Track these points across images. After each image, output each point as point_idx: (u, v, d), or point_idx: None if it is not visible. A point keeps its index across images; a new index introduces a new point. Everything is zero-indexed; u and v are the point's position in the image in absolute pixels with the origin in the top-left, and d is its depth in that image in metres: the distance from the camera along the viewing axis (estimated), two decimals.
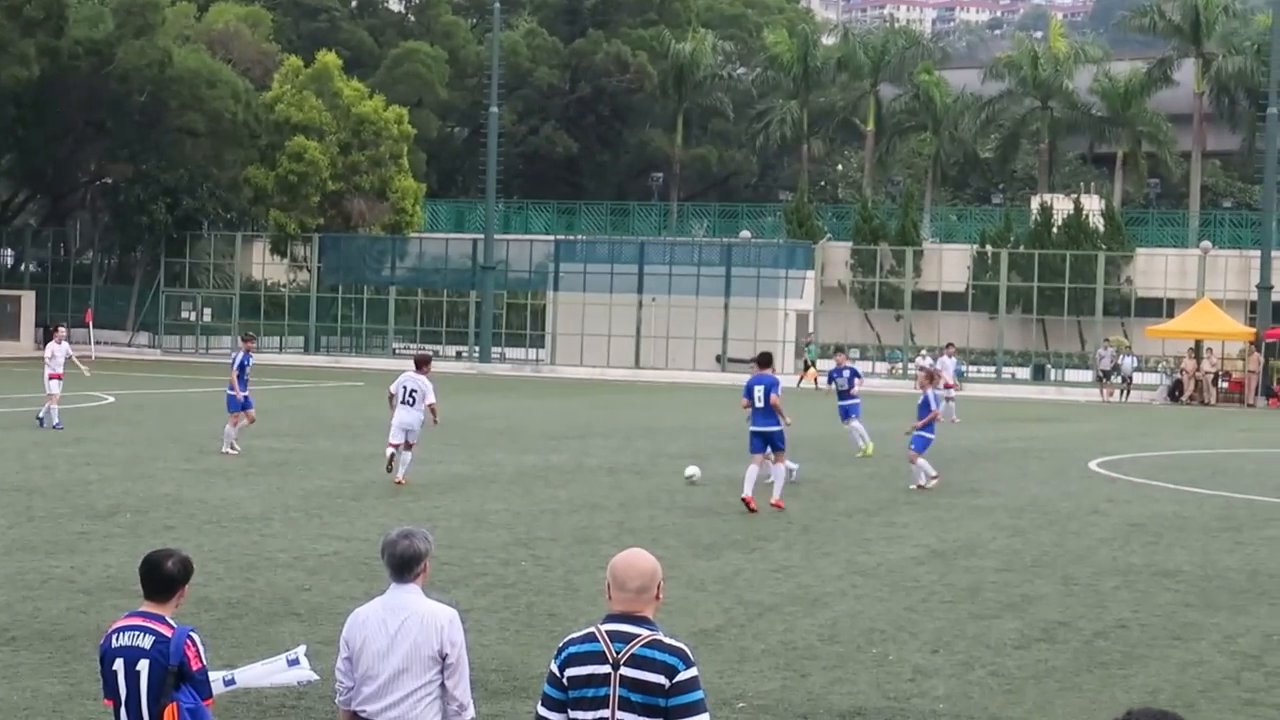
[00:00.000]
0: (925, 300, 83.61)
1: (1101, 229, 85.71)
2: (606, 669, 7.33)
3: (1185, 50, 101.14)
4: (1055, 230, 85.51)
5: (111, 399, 47.63)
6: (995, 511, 26.82)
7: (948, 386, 51.40)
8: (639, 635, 7.35)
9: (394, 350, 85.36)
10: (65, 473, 28.44)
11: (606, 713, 7.32)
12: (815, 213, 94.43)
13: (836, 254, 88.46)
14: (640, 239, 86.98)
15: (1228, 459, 39.44)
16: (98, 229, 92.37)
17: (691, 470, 29.20)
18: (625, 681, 7.30)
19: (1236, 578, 20.70)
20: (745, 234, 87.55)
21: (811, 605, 18.00)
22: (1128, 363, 70.16)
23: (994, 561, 21.45)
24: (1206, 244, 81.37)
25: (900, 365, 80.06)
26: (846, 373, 38.12)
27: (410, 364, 30.71)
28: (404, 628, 8.26)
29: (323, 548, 20.88)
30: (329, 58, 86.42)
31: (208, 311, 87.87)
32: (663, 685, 7.26)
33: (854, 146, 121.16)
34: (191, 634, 8.15)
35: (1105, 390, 69.45)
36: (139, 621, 8.18)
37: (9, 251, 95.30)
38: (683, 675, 7.29)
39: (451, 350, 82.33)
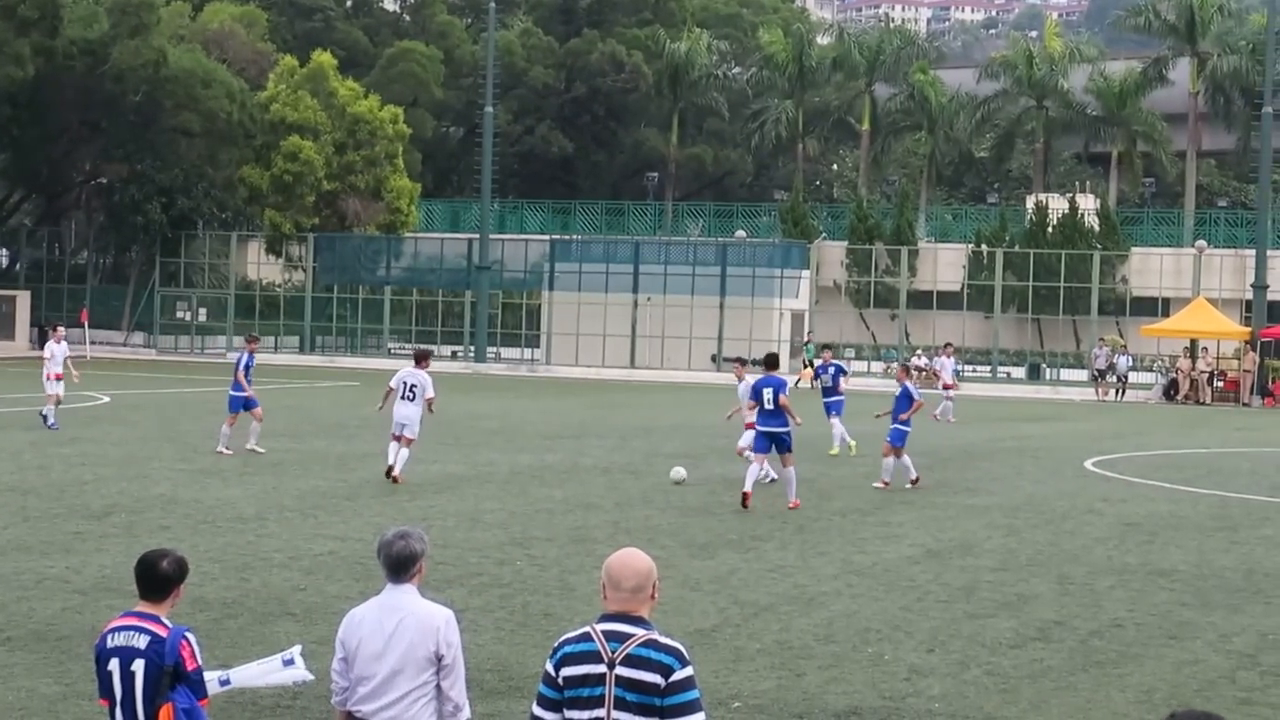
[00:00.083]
0: (920, 300, 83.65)
1: (1097, 228, 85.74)
2: (602, 668, 7.33)
3: (1180, 49, 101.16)
4: (1050, 230, 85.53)
5: (107, 399, 47.60)
6: (991, 511, 26.82)
7: (946, 387, 51.42)
8: (634, 635, 7.35)
9: (389, 350, 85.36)
10: (60, 473, 28.42)
11: (602, 712, 7.32)
12: (810, 212, 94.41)
13: (832, 253, 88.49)
14: (635, 239, 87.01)
15: (1223, 458, 39.46)
16: (93, 229, 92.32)
17: (678, 471, 29.15)
18: (621, 681, 7.29)
19: (1232, 577, 20.71)
20: (740, 234, 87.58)
21: (807, 605, 18.00)
22: (1123, 362, 70.19)
23: (989, 561, 21.45)
24: (1202, 243, 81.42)
25: (896, 365, 80.00)
26: (832, 369, 38.07)
27: (408, 362, 30.80)
28: (400, 628, 8.25)
29: (318, 547, 20.87)
30: (324, 57, 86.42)
31: (203, 311, 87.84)
32: (658, 685, 7.26)
33: (849, 146, 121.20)
34: (187, 634, 8.14)
35: (1100, 389, 69.47)
36: (134, 621, 8.17)
37: (4, 251, 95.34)
38: (678, 674, 7.29)
39: (447, 350, 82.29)
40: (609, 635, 7.37)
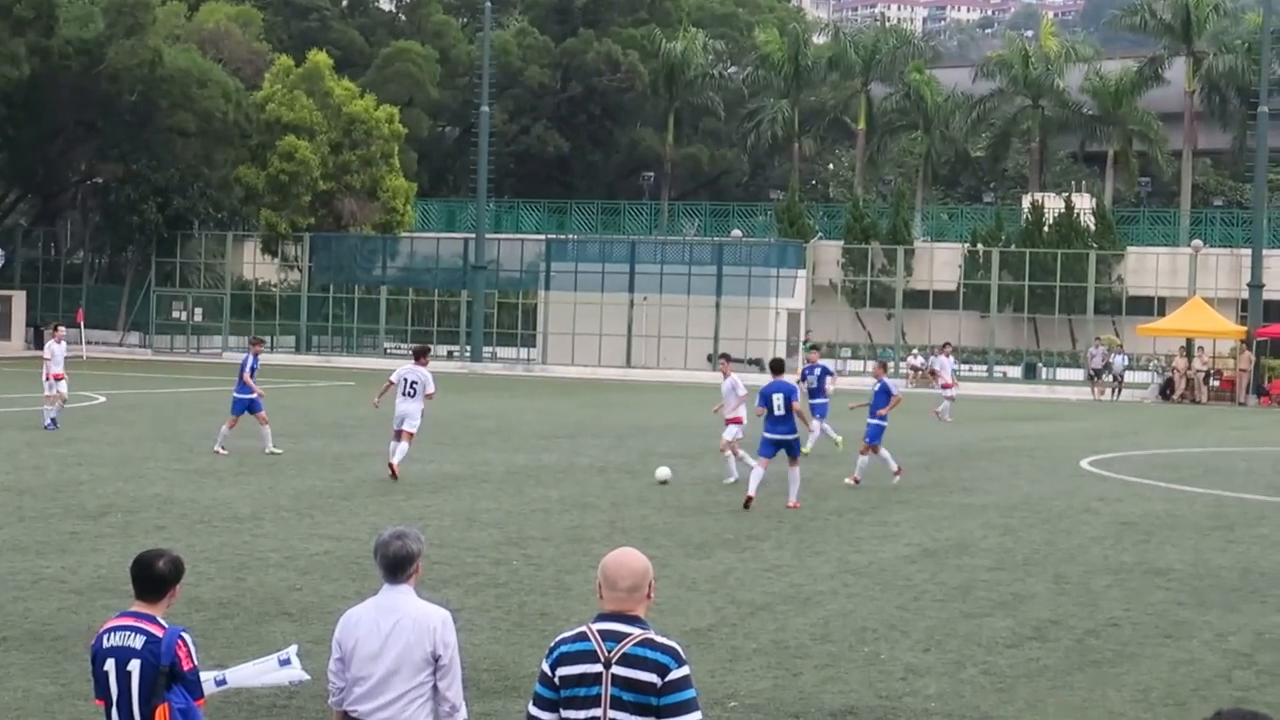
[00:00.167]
0: (916, 299, 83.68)
1: (1092, 228, 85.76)
2: (598, 668, 7.32)
3: (1176, 49, 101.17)
4: (1046, 229, 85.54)
5: (103, 399, 47.57)
6: (987, 510, 26.82)
7: (945, 386, 51.40)
8: (631, 634, 7.34)
9: (385, 350, 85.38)
10: (56, 473, 28.40)
11: (598, 712, 7.31)
12: (806, 212, 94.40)
13: (828, 253, 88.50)
14: (631, 238, 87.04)
15: (1219, 457, 39.48)
16: (88, 229, 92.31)
17: (662, 471, 29.10)
18: (617, 680, 7.29)
19: (1228, 576, 20.71)
20: (736, 233, 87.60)
21: (803, 604, 18.00)
22: (1119, 361, 70.23)
23: (986, 560, 21.45)
24: (1197, 242, 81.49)
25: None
26: (818, 370, 37.38)
27: (406, 361, 30.98)
28: (397, 629, 8.24)
29: (314, 547, 20.86)
30: (320, 57, 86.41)
31: (199, 311, 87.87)
32: (655, 684, 7.25)
33: (845, 145, 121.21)
34: (183, 634, 8.14)
35: (1096, 389, 69.51)
36: (130, 622, 8.16)
37: None
38: (675, 674, 7.28)
39: (443, 350, 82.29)
40: (605, 635, 7.36)
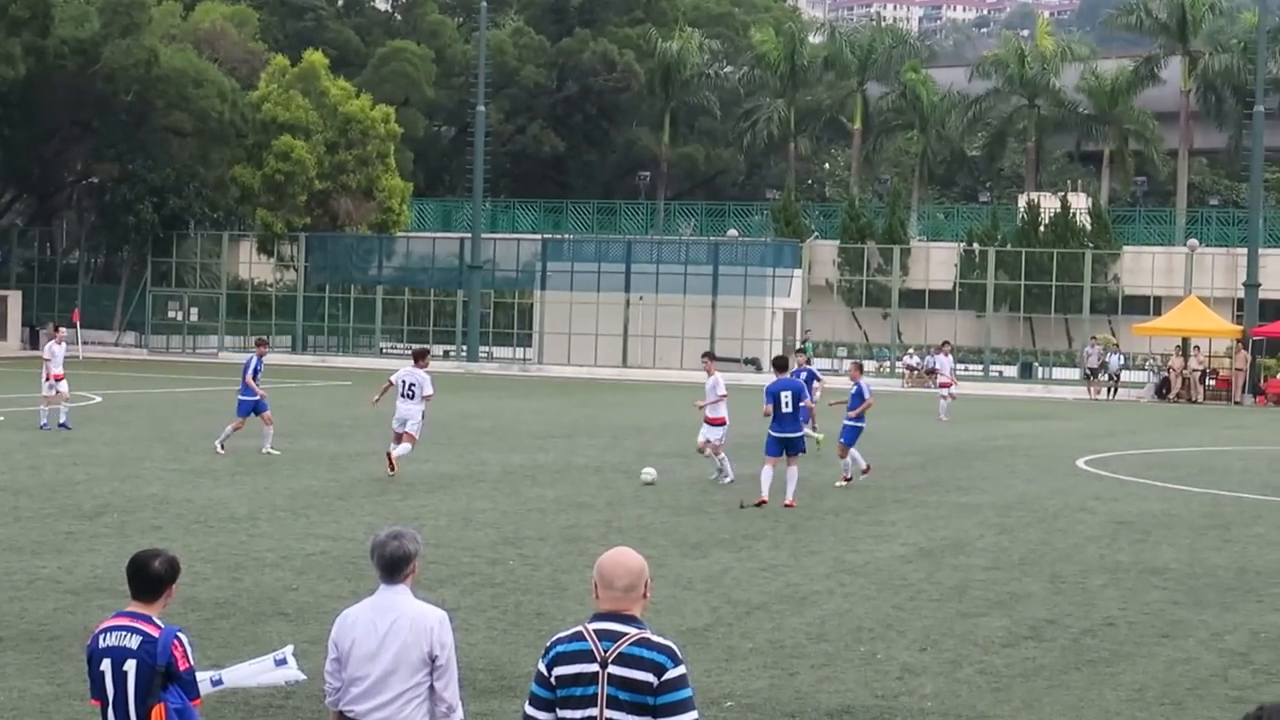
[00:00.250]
0: (912, 299, 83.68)
1: (1088, 227, 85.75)
2: (595, 668, 7.31)
3: (1172, 48, 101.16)
4: (1042, 228, 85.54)
5: (98, 399, 47.55)
6: (983, 509, 26.83)
7: (944, 385, 51.37)
8: (627, 634, 7.34)
9: (381, 349, 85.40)
10: (52, 473, 28.39)
11: (595, 711, 7.31)
12: (802, 211, 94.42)
13: (824, 252, 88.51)
14: (627, 238, 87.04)
15: (1215, 456, 39.50)
16: (84, 228, 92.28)
17: (648, 472, 29.06)
18: (614, 680, 7.28)
19: (1224, 575, 20.72)
20: (732, 233, 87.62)
21: (799, 604, 18.00)
22: (1115, 360, 70.26)
23: (982, 560, 21.45)
24: (1193, 242, 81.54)
25: (888, 364, 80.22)
26: (803, 375, 36.22)
27: (405, 361, 31.21)
28: (393, 629, 8.24)
29: (310, 547, 20.86)
30: (315, 57, 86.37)
31: (194, 311, 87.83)
32: (651, 683, 7.25)
33: (841, 145, 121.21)
34: (179, 634, 8.13)
35: (1092, 388, 69.53)
36: (126, 622, 8.15)
37: None
38: (671, 673, 7.28)
39: (439, 349, 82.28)
40: (601, 634, 7.36)
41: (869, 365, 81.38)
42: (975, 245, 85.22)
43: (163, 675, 8.02)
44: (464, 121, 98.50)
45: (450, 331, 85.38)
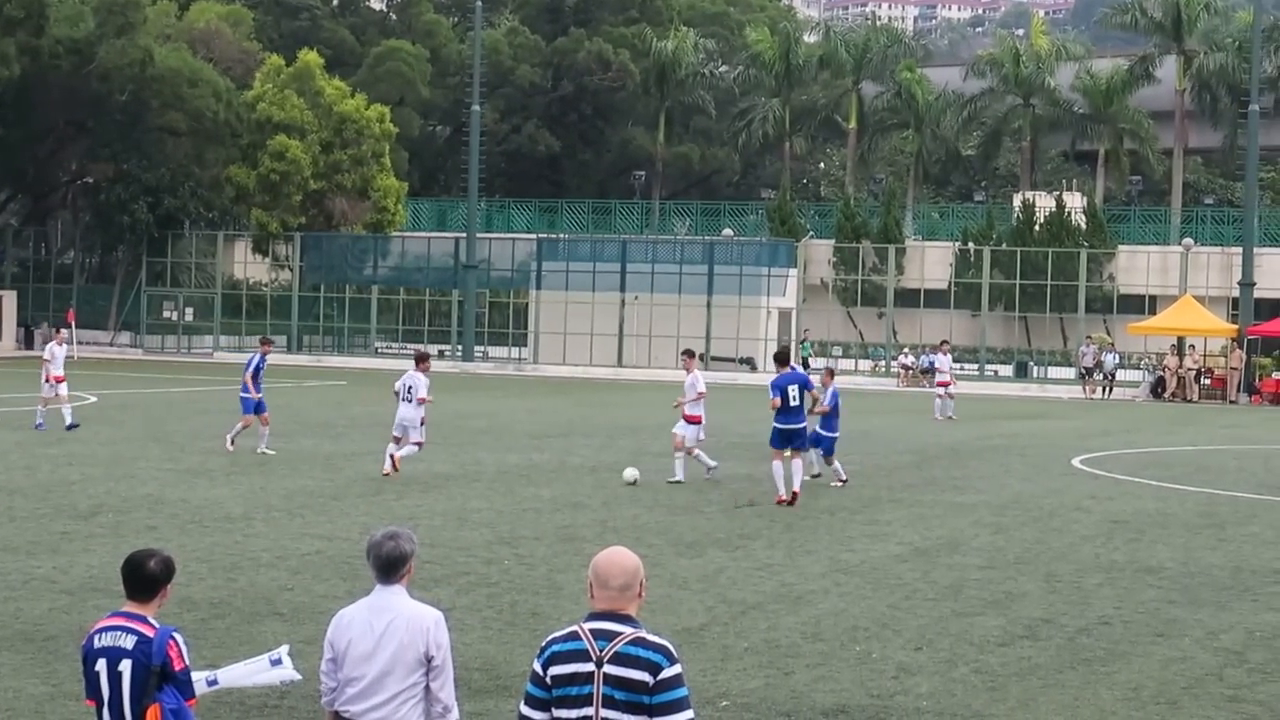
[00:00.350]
0: (908, 298, 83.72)
1: (1083, 226, 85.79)
2: (590, 667, 7.31)
3: (1167, 47, 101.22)
4: (1037, 228, 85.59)
5: (94, 399, 47.51)
6: (978, 509, 26.84)
7: (942, 385, 51.36)
8: (622, 633, 7.34)
9: (376, 349, 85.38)
10: (47, 473, 28.38)
11: (590, 711, 7.31)
12: (797, 211, 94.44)
13: (819, 252, 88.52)
14: (622, 237, 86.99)
15: (1210, 455, 39.52)
16: (79, 228, 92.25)
17: (630, 472, 29.00)
18: (609, 679, 7.28)
19: (1219, 574, 20.73)
20: (727, 232, 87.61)
21: (795, 603, 18.00)
22: (1110, 360, 70.26)
23: (977, 559, 21.46)
24: (1188, 241, 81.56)
25: (884, 363, 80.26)
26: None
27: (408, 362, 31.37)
28: (390, 630, 8.23)
29: (305, 547, 20.85)
30: (310, 56, 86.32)
31: (189, 311, 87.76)
32: (647, 683, 7.25)
33: (836, 144, 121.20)
34: (174, 634, 8.12)
35: (1088, 387, 69.54)
36: (121, 622, 8.14)
37: None
38: (667, 672, 7.27)
39: (434, 349, 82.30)
40: (597, 634, 7.36)
41: (864, 364, 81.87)
42: (970, 244, 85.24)
43: (158, 675, 8.01)
44: (459, 121, 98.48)
45: (445, 331, 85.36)
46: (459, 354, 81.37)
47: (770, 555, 21.33)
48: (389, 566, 8.32)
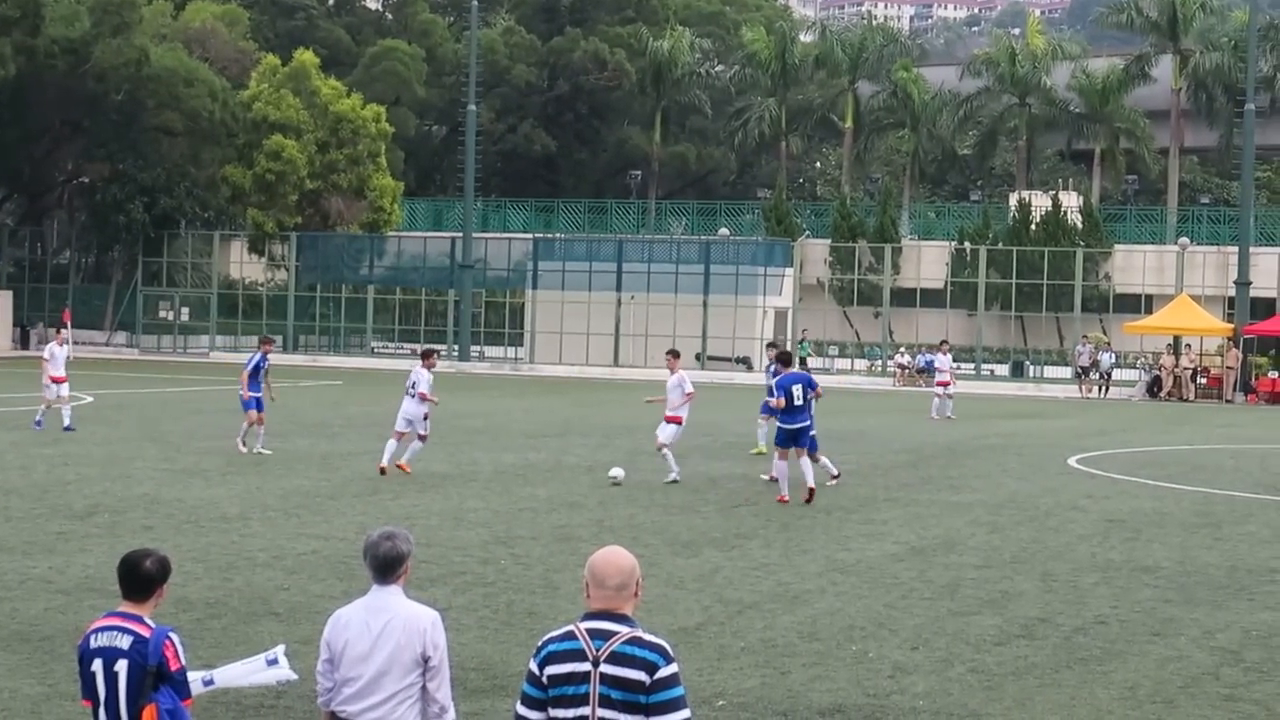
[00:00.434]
0: (904, 297, 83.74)
1: (1080, 226, 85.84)
2: (587, 666, 7.31)
3: (1163, 47, 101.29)
4: (1033, 227, 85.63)
5: (90, 399, 47.49)
6: (974, 508, 26.83)
7: (942, 385, 51.33)
8: (618, 632, 7.33)
9: (372, 349, 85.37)
10: (43, 473, 28.36)
11: (587, 710, 7.30)
12: (794, 210, 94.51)
13: (815, 251, 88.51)
14: (619, 237, 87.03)
15: (1206, 455, 39.52)
16: (75, 228, 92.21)
17: (616, 472, 28.97)
18: (606, 679, 7.27)
19: (1215, 573, 20.72)
20: (724, 232, 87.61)
21: (791, 603, 17.99)
22: (1106, 359, 70.30)
23: (973, 558, 21.45)
24: (1184, 240, 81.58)
25: (880, 362, 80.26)
26: (774, 368, 36.42)
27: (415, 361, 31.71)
28: (387, 630, 8.22)
29: (301, 547, 20.84)
30: (306, 56, 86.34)
31: (185, 311, 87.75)
32: (643, 682, 7.24)
33: (832, 144, 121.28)
34: (170, 634, 8.11)
35: (1084, 386, 69.57)
36: (117, 622, 8.13)
37: None
38: (663, 671, 7.27)
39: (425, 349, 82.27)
40: (593, 633, 7.35)
41: (860, 364, 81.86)
42: (966, 244, 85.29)
43: (154, 675, 8.00)
44: (455, 121, 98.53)
45: (442, 331, 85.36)
46: (455, 354, 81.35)
47: (766, 555, 21.31)
48: (386, 567, 8.31)
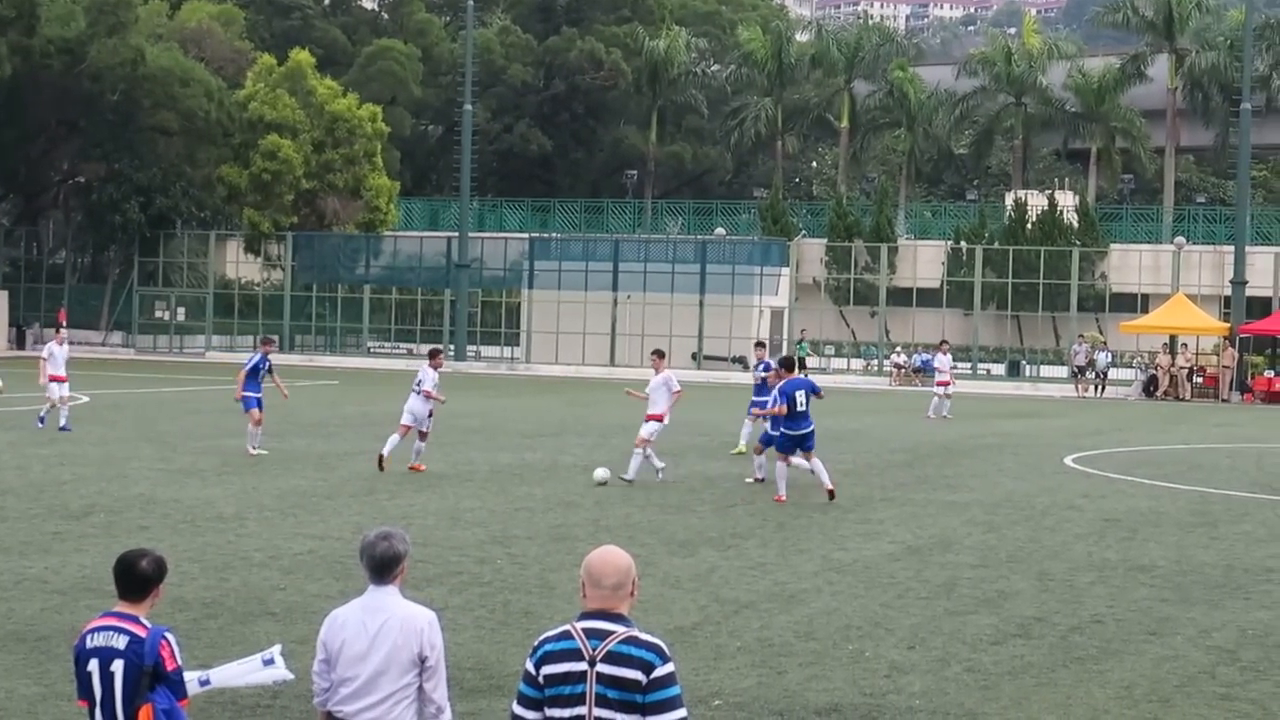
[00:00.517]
0: (900, 297, 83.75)
1: (1076, 225, 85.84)
2: (583, 666, 7.31)
3: (1158, 46, 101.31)
4: (1029, 226, 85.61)
5: (86, 399, 47.46)
6: (971, 507, 26.83)
7: (942, 384, 51.31)
8: (615, 632, 7.33)
9: (369, 349, 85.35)
10: (39, 473, 28.34)
11: (583, 710, 7.30)
12: (790, 210, 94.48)
13: (811, 251, 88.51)
14: (615, 237, 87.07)
15: (1202, 454, 39.53)
16: (71, 228, 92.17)
17: (600, 472, 28.87)
18: (602, 678, 7.27)
19: (1212, 572, 20.72)
20: (720, 231, 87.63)
21: (787, 602, 17.98)
22: (1102, 358, 70.33)
23: (970, 557, 21.45)
24: (1180, 239, 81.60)
25: (876, 362, 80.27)
26: (763, 366, 35.25)
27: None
28: (384, 630, 8.22)
29: (297, 547, 20.82)
30: (302, 56, 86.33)
31: (181, 311, 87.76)
32: (640, 681, 7.24)
33: (828, 143, 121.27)
34: (166, 634, 8.11)
35: (1080, 386, 69.59)
36: (113, 622, 8.13)
37: None
38: (660, 671, 7.27)
39: (426, 349, 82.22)
40: (589, 633, 7.35)
41: (857, 364, 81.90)
42: (962, 243, 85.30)
43: (150, 675, 8.00)
44: (451, 120, 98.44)
45: (438, 331, 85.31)
46: (451, 353, 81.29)
47: (763, 554, 21.31)
48: (382, 567, 8.31)
